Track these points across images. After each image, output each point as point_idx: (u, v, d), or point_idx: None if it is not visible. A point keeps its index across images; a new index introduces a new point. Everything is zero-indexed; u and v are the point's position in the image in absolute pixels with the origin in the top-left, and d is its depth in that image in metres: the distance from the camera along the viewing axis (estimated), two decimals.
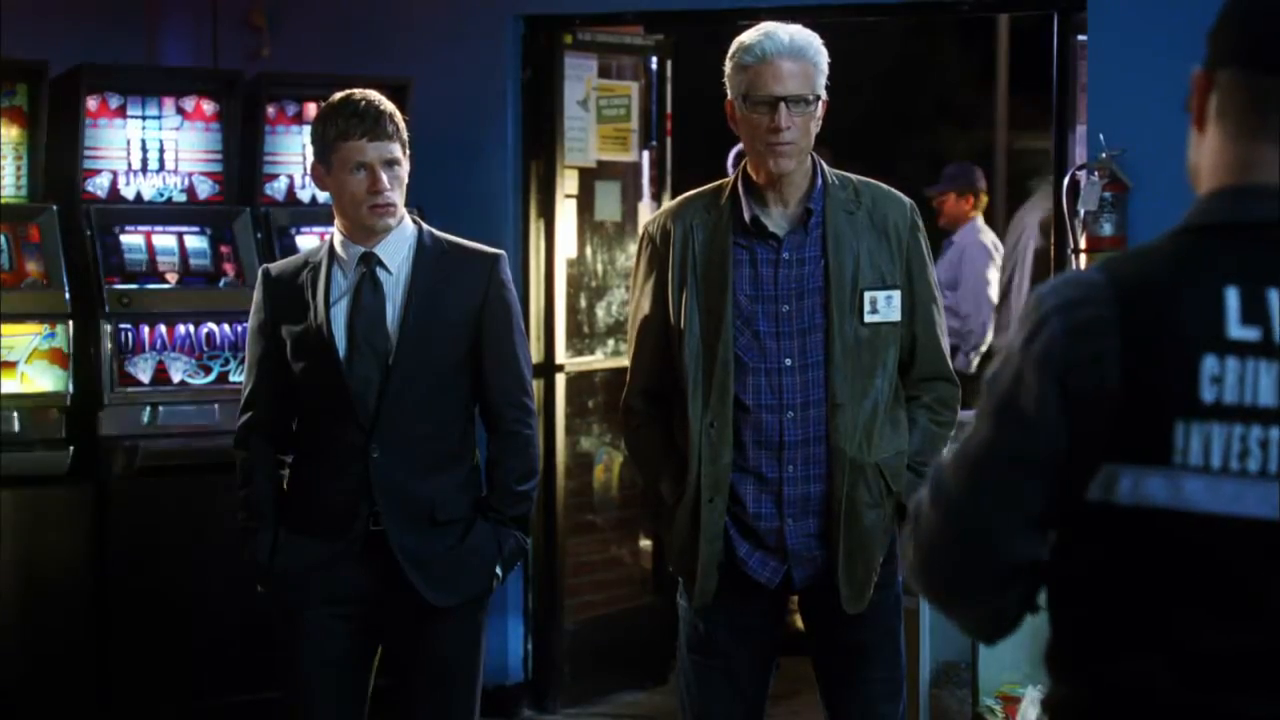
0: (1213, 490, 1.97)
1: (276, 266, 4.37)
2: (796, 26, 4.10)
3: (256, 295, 4.31)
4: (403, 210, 4.20)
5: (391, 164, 4.13)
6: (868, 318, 4.08)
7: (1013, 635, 2.19)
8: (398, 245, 4.20)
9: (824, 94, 4.08)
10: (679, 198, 4.29)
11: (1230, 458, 1.97)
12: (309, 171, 4.48)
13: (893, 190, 4.21)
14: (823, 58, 4.07)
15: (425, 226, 4.27)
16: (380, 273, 4.18)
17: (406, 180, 4.20)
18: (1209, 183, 2.10)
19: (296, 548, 4.18)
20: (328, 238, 4.27)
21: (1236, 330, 1.98)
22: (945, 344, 4.24)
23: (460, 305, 4.21)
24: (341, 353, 4.15)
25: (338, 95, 4.21)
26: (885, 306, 4.10)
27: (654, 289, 4.16)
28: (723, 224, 4.10)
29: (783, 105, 4.00)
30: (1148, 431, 1.99)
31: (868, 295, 4.07)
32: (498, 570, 4.22)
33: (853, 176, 4.20)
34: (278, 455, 4.29)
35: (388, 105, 4.18)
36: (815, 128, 4.07)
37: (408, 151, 4.20)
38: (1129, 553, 2.02)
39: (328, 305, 4.16)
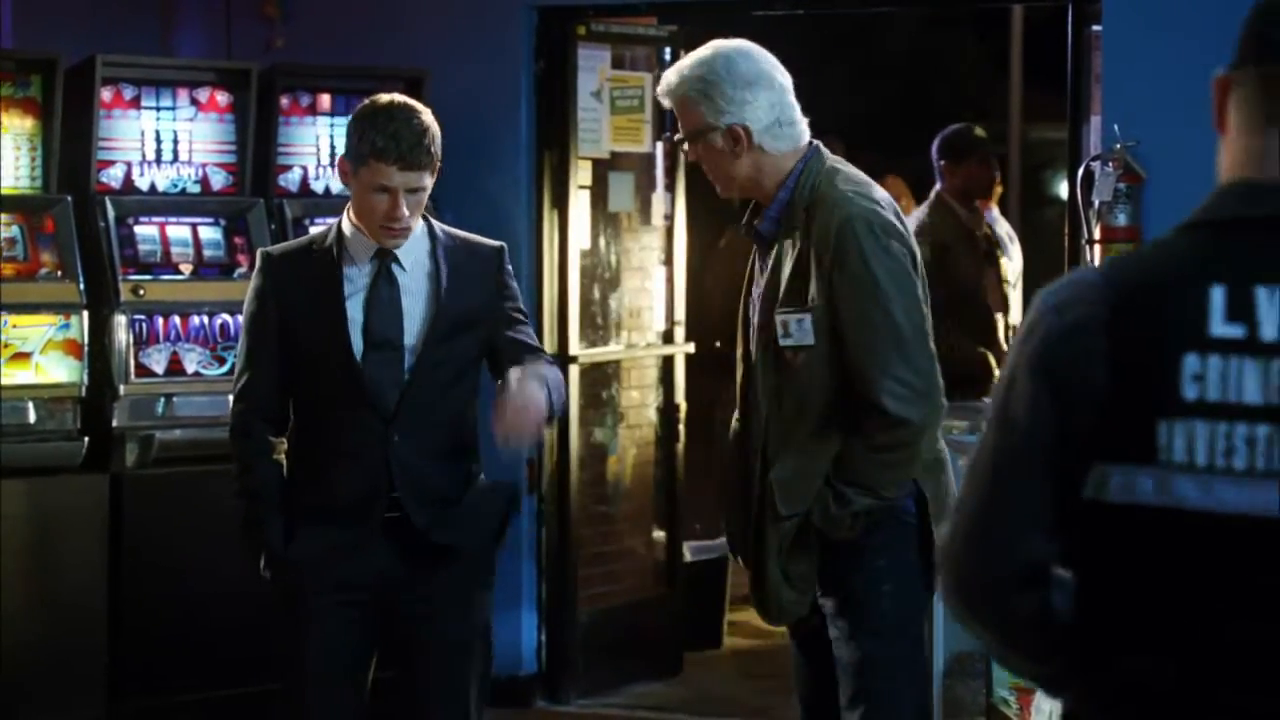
0: (1203, 487, 1.98)
1: (278, 250, 4.34)
2: (688, 59, 4.03)
3: (256, 280, 4.23)
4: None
5: (416, 191, 4.06)
6: (782, 341, 3.94)
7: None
8: (412, 240, 4.17)
9: (724, 122, 3.95)
10: None
11: (1216, 455, 1.97)
12: (335, 162, 4.44)
13: (844, 196, 3.91)
14: (699, 86, 3.97)
15: (434, 222, 4.25)
16: (394, 268, 4.17)
17: (427, 199, 4.15)
18: (1224, 178, 2.11)
19: (312, 535, 4.17)
20: (335, 223, 4.23)
21: (1220, 328, 1.98)
22: (882, 367, 3.85)
23: (475, 298, 4.21)
24: (359, 347, 4.13)
25: (383, 100, 4.09)
26: (797, 330, 3.91)
27: None
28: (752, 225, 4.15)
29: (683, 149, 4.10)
30: (1133, 430, 2.00)
31: (779, 318, 3.93)
32: (506, 510, 4.29)
33: (824, 182, 3.95)
34: (275, 442, 4.28)
35: (430, 130, 4.05)
36: (721, 158, 4.00)
37: (436, 174, 4.13)
38: (1123, 551, 2.03)
39: (342, 297, 4.15)
